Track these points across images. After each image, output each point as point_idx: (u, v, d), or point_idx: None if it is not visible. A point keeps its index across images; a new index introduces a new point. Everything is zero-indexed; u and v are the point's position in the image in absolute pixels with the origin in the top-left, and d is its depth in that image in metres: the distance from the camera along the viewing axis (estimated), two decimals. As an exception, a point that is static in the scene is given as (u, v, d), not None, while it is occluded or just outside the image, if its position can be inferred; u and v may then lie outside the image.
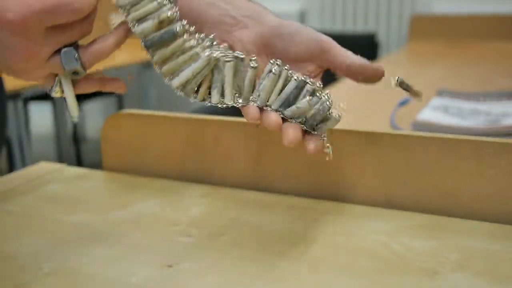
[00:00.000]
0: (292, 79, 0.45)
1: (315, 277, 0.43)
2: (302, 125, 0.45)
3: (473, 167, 0.52)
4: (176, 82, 0.45)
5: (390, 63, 1.71)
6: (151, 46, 0.44)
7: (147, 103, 2.63)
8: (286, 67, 0.45)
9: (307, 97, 0.44)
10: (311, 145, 0.45)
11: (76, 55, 0.43)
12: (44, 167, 0.71)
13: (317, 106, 0.44)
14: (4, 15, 0.39)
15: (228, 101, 0.45)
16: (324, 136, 0.46)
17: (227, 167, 0.63)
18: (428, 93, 1.12)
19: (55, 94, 0.46)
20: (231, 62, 0.44)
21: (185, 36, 0.44)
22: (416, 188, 0.55)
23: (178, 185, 0.65)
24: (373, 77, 0.47)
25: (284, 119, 0.45)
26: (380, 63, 0.49)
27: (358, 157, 0.56)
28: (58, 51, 0.43)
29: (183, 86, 0.45)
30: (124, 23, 0.44)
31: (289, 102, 0.45)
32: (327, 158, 0.47)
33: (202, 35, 0.46)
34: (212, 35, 0.46)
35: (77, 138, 2.89)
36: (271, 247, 0.48)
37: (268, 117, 0.44)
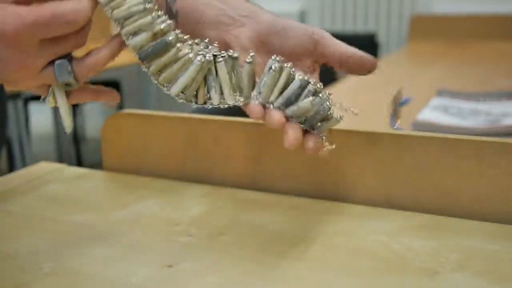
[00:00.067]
0: (296, 77, 0.45)
1: (315, 277, 0.43)
2: (302, 125, 0.45)
3: (473, 167, 0.52)
4: (174, 90, 0.45)
5: (390, 63, 1.71)
6: (146, 57, 0.44)
7: (147, 103, 2.63)
8: (288, 65, 0.45)
9: (310, 97, 0.44)
10: (310, 143, 0.45)
11: (70, 67, 0.43)
12: (44, 167, 0.71)
13: (317, 107, 0.44)
14: None
15: (229, 101, 0.45)
16: (323, 135, 0.46)
17: (227, 167, 0.63)
18: (428, 93, 1.12)
19: (49, 104, 0.46)
20: (223, 61, 0.44)
21: (178, 45, 0.44)
22: (416, 188, 0.55)
23: (178, 185, 0.65)
24: (366, 68, 0.47)
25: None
26: (379, 64, 0.49)
27: (358, 157, 0.56)
28: (51, 62, 0.43)
29: (182, 92, 0.45)
30: (118, 35, 0.44)
31: (291, 101, 0.44)
32: (326, 148, 0.46)
33: (197, 40, 0.46)
34: (207, 39, 0.47)
35: (77, 138, 2.88)
36: (271, 247, 0.48)
37: (271, 116, 0.44)
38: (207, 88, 0.45)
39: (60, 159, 2.36)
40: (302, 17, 2.75)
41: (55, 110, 2.29)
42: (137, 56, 0.44)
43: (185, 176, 0.65)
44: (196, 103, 0.46)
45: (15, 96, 1.79)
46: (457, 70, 1.49)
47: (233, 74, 0.45)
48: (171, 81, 0.45)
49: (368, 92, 1.17)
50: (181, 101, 0.46)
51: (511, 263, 0.45)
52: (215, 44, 0.46)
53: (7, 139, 1.78)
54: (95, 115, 3.31)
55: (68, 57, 0.44)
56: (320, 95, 0.45)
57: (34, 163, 0.72)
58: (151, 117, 0.66)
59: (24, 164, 1.90)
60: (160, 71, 0.45)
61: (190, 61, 0.44)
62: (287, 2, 2.75)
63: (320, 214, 0.55)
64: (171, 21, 0.44)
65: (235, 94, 0.45)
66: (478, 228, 0.51)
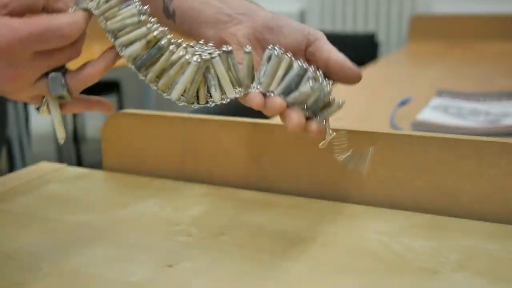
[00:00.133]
0: (295, 64, 0.45)
1: (315, 277, 0.44)
2: (305, 111, 0.45)
3: (473, 167, 0.52)
4: (175, 94, 0.45)
5: (390, 63, 1.71)
6: (141, 66, 0.44)
7: (147, 103, 2.63)
8: (288, 54, 0.45)
9: (310, 82, 0.44)
10: (314, 126, 0.45)
11: (63, 80, 0.43)
12: (44, 167, 0.71)
13: (318, 92, 0.44)
14: None
15: (230, 94, 0.45)
16: (326, 123, 0.46)
17: (227, 167, 0.63)
18: (428, 93, 1.12)
19: (42, 113, 0.46)
20: (218, 57, 0.44)
21: (171, 47, 0.44)
22: (416, 188, 0.55)
23: (178, 185, 0.65)
24: (351, 78, 0.47)
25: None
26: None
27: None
28: (46, 73, 0.43)
29: (183, 96, 0.45)
30: (112, 48, 0.44)
31: (291, 88, 0.44)
32: (327, 137, 0.46)
33: (191, 43, 0.46)
34: (201, 41, 0.47)
35: (77, 138, 2.89)
36: (271, 247, 0.48)
37: (272, 101, 0.44)
38: (207, 87, 0.45)
39: (60, 159, 2.36)
40: (302, 17, 2.75)
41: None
42: (133, 66, 0.44)
43: (185, 176, 0.65)
44: (198, 103, 0.46)
45: (15, 96, 1.78)
46: (457, 70, 1.49)
47: (230, 68, 0.45)
48: (170, 85, 0.45)
49: (368, 92, 1.17)
50: (182, 104, 0.46)
51: (511, 263, 0.45)
52: (210, 44, 0.46)
53: (7, 139, 1.78)
54: (95, 115, 3.31)
55: (62, 69, 0.44)
56: (320, 80, 0.45)
57: (34, 163, 0.72)
58: (151, 117, 0.66)
59: (24, 164, 1.90)
60: (158, 77, 0.45)
61: (186, 63, 0.44)
62: (287, 2, 2.75)
63: (320, 214, 0.55)
64: (165, 28, 0.44)
65: (234, 87, 0.45)
66: (478, 228, 0.51)
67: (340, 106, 0.45)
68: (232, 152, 0.62)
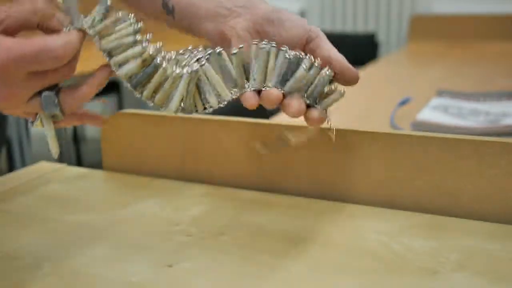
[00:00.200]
0: (280, 53, 0.45)
1: (315, 277, 0.44)
2: (305, 99, 0.45)
3: (473, 167, 0.52)
4: (172, 107, 0.45)
5: (390, 63, 1.71)
6: (137, 84, 0.44)
7: (147, 103, 2.63)
8: (273, 44, 0.45)
9: (303, 65, 0.44)
10: (315, 113, 0.45)
11: (56, 100, 0.43)
12: (44, 167, 0.71)
13: (314, 75, 0.44)
14: None
15: (226, 96, 0.45)
16: (327, 114, 0.46)
17: (227, 167, 0.63)
18: (428, 93, 1.12)
19: (36, 127, 0.46)
20: (206, 63, 0.45)
21: (164, 65, 0.44)
22: (416, 188, 0.55)
23: (178, 185, 0.65)
24: (350, 79, 0.47)
25: (285, 97, 0.45)
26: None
27: (358, 157, 0.56)
28: (39, 91, 0.43)
29: (181, 107, 0.45)
30: (105, 66, 0.44)
31: (287, 77, 0.44)
32: (328, 127, 0.46)
33: (181, 50, 0.46)
34: (190, 47, 0.47)
35: (77, 138, 2.89)
36: (271, 247, 0.48)
37: (268, 93, 0.44)
38: (203, 94, 0.46)
39: (60, 159, 2.36)
40: (302, 16, 2.74)
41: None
42: (129, 85, 0.44)
43: (185, 176, 0.65)
44: (197, 111, 0.46)
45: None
46: (457, 70, 1.49)
47: (222, 68, 0.45)
48: (166, 100, 0.45)
49: (368, 92, 1.17)
50: (181, 114, 0.46)
51: (511, 263, 0.45)
52: (199, 49, 0.46)
53: (7, 139, 1.78)
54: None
55: (56, 88, 0.44)
56: (317, 64, 0.45)
57: (34, 163, 0.72)
58: (151, 117, 0.66)
59: (24, 164, 1.90)
60: (154, 93, 0.45)
61: (178, 76, 0.44)
62: (287, 1, 2.75)
63: (320, 214, 0.55)
64: (159, 45, 0.44)
65: (229, 89, 0.45)
66: (478, 228, 0.51)
67: (342, 95, 0.45)
68: (232, 152, 0.62)
